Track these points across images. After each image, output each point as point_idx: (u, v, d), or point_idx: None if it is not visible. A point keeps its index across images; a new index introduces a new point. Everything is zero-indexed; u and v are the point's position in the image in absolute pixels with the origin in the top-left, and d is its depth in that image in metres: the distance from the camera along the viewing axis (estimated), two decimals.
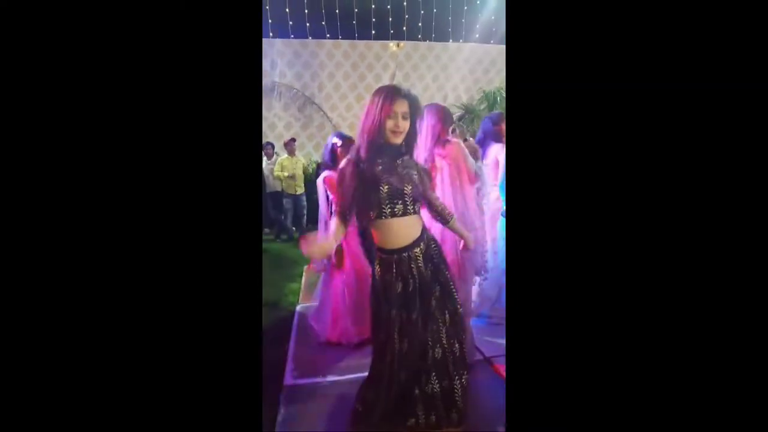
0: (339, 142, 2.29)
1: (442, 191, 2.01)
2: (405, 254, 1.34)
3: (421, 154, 2.05)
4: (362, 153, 1.29)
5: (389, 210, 1.30)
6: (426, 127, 2.02)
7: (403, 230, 1.33)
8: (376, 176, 1.28)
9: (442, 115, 2.01)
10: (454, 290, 1.40)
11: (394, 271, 1.34)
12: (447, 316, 1.38)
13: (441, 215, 1.48)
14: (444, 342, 1.36)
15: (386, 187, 1.28)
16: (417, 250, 1.35)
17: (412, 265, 1.35)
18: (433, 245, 1.40)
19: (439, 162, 2.00)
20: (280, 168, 5.15)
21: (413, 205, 1.33)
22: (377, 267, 1.38)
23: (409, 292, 1.34)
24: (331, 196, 2.15)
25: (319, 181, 2.32)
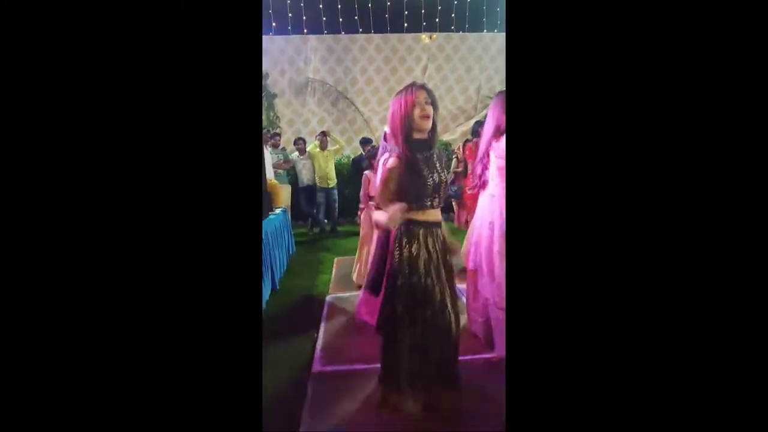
0: None
1: (491, 188, 1.91)
2: (430, 229, 1.46)
3: (481, 146, 1.96)
4: (401, 148, 1.38)
5: (429, 203, 1.44)
6: (490, 117, 1.90)
7: (431, 215, 1.48)
8: (421, 170, 1.39)
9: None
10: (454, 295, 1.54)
11: (419, 241, 1.44)
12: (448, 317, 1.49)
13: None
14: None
15: (430, 180, 1.40)
16: (438, 230, 1.50)
17: (435, 240, 1.47)
18: (442, 242, 1.52)
19: (493, 156, 1.89)
20: (315, 147, 5.23)
21: (441, 198, 1.48)
22: (404, 237, 1.44)
23: (433, 261, 1.45)
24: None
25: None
